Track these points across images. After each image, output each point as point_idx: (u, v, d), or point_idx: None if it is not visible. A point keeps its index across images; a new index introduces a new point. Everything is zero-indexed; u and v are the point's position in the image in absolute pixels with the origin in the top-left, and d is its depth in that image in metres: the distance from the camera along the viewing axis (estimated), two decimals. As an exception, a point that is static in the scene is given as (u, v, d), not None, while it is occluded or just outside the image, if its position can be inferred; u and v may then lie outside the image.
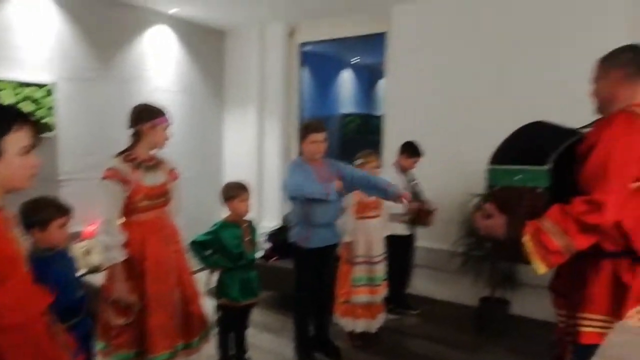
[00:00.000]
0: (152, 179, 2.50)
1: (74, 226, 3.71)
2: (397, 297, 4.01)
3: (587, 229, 1.57)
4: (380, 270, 3.41)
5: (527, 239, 1.64)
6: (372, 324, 3.44)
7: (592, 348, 1.51)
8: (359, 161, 3.41)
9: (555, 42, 3.66)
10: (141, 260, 2.43)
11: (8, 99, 3.42)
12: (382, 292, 3.44)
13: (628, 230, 1.63)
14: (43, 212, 2.12)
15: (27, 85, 3.55)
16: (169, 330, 2.47)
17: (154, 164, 2.56)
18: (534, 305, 3.63)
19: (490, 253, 1.96)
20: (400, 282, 4.00)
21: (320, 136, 3.06)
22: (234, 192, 2.91)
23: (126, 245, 2.41)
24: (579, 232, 1.57)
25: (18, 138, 1.31)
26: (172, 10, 4.66)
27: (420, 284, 4.26)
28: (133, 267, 2.43)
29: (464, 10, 4.07)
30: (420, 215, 3.75)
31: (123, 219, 2.48)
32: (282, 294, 4.23)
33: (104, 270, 2.50)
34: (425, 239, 4.05)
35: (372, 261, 3.38)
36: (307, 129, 3.12)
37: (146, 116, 2.49)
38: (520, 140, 1.88)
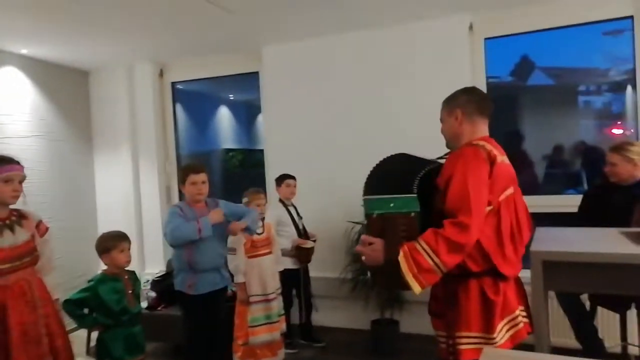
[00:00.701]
0: (10, 239, 2.23)
1: None
2: (303, 330, 4.04)
3: (455, 248, 1.70)
4: (277, 306, 3.42)
5: (401, 257, 1.73)
6: (275, 360, 3.40)
7: (474, 364, 1.63)
8: (246, 199, 3.40)
9: (409, 79, 4.06)
10: (4, 331, 2.15)
11: None
12: (280, 327, 3.45)
13: (487, 250, 1.82)
14: None
15: None
16: None
17: (13, 221, 2.29)
18: (421, 321, 3.82)
19: (372, 281, 2.04)
20: (305, 314, 4.02)
21: (199, 177, 2.98)
22: (111, 242, 2.70)
23: None
24: (448, 252, 1.69)
25: None
26: (23, 51, 4.27)
27: (317, 314, 4.29)
28: None
29: (327, 51, 4.34)
30: (301, 251, 3.83)
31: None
32: (171, 344, 3.98)
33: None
34: (315, 269, 4.12)
35: (267, 299, 3.37)
36: (185, 171, 3.04)
37: None
38: (386, 171, 2.02)
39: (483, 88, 3.83)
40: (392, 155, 2.05)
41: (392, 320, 3.91)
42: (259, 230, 3.37)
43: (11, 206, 2.36)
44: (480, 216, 1.76)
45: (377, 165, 2.03)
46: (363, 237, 1.93)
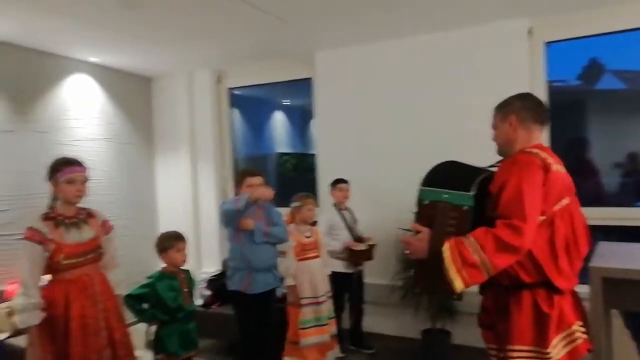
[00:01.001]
0: (76, 236, 2.38)
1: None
2: (353, 335, 4.03)
3: (505, 249, 1.64)
4: (326, 309, 3.44)
5: (446, 248, 1.68)
6: (323, 362, 3.43)
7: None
8: (296, 204, 3.45)
9: (464, 84, 3.97)
10: (66, 321, 2.29)
11: None
12: (331, 330, 3.47)
13: (539, 261, 1.75)
14: None
15: None
16: None
17: (80, 220, 2.44)
18: (474, 333, 3.71)
19: (414, 281, 2.00)
20: (355, 319, 4.01)
21: (256, 180, 3.09)
22: (169, 242, 2.83)
23: (49, 306, 2.27)
24: (496, 251, 1.64)
25: None
26: (93, 59, 4.55)
27: (368, 320, 4.27)
28: (57, 329, 2.28)
29: (379, 56, 4.33)
30: (351, 253, 3.81)
31: (48, 278, 2.33)
32: (225, 341, 4.09)
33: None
34: (370, 275, 4.09)
35: (318, 301, 3.40)
36: (243, 174, 3.18)
37: (51, 172, 2.41)
38: (444, 172, 1.99)
39: (542, 93, 3.70)
40: (445, 162, 2.02)
41: (444, 330, 3.82)
42: (307, 234, 3.42)
43: (80, 205, 2.51)
44: (534, 223, 1.69)
45: (431, 169, 2.00)
46: (411, 224, 1.90)
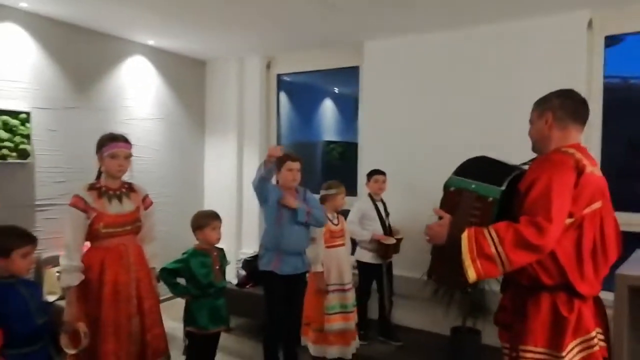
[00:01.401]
0: (117, 207, 2.54)
1: (48, 250, 3.78)
2: (381, 326, 4.06)
3: (525, 246, 1.61)
4: (351, 297, 3.49)
5: (464, 236, 1.67)
6: (347, 350, 3.49)
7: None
8: (331, 191, 3.49)
9: (516, 78, 3.84)
10: (99, 286, 2.46)
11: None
12: (354, 318, 3.52)
13: (563, 264, 1.71)
14: (6, 240, 2.14)
15: (2, 113, 3.60)
16: (122, 356, 2.47)
17: (122, 193, 2.60)
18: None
19: (428, 269, 2.00)
20: (384, 311, 4.04)
21: (295, 165, 3.17)
22: (206, 220, 2.94)
23: (86, 270, 2.44)
24: (515, 247, 1.61)
25: None
26: (150, 42, 4.77)
27: (397, 312, 4.28)
28: (91, 292, 2.45)
29: (427, 45, 4.26)
30: (380, 246, 3.82)
31: (88, 244, 2.51)
32: (256, 321, 4.23)
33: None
34: (397, 267, 4.10)
35: (343, 288, 3.45)
36: (283, 157, 3.22)
37: (98, 146, 2.57)
38: (474, 166, 1.97)
39: (599, 89, 3.53)
40: (479, 156, 2.01)
41: (474, 329, 3.75)
42: (335, 221, 3.47)
43: (125, 179, 2.68)
44: (560, 225, 1.65)
45: (469, 159, 2.00)
46: (435, 208, 1.89)
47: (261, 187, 3.07)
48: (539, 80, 3.62)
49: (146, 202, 2.75)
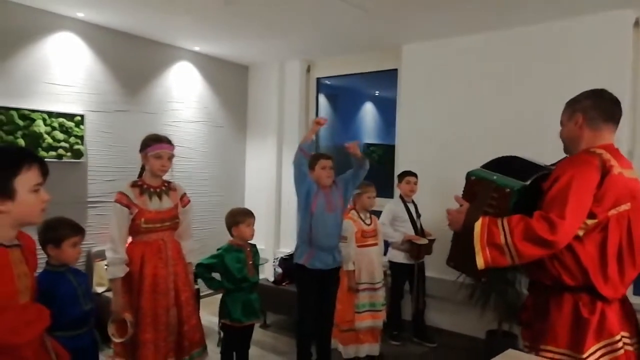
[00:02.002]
0: (156, 204, 2.69)
1: (98, 245, 4.03)
2: (415, 327, 4.07)
3: (534, 240, 1.62)
4: (381, 296, 3.52)
5: (478, 223, 1.71)
6: (375, 347, 3.53)
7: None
8: (357, 191, 3.54)
9: (555, 80, 3.76)
10: (140, 278, 2.61)
11: (41, 128, 3.76)
12: (382, 317, 3.56)
13: (585, 265, 1.69)
14: (58, 231, 2.31)
15: (59, 115, 3.88)
16: (160, 345, 2.61)
17: (162, 190, 2.75)
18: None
19: (448, 257, 2.02)
20: (417, 312, 4.05)
21: (328, 162, 3.27)
22: (242, 217, 3.06)
23: (128, 263, 2.60)
24: (524, 239, 1.63)
25: (29, 178, 1.44)
26: (196, 48, 4.99)
27: (431, 314, 4.27)
28: (132, 284, 2.61)
29: (467, 48, 4.24)
30: (412, 246, 3.83)
31: (130, 239, 2.68)
32: (291, 318, 4.33)
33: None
34: (432, 269, 4.09)
35: (374, 287, 3.48)
36: (317, 156, 3.34)
37: (142, 146, 2.72)
38: (502, 163, 1.98)
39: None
40: (509, 155, 2.02)
41: (510, 333, 3.69)
42: (368, 221, 3.51)
43: (166, 178, 2.84)
44: (574, 223, 1.65)
45: (499, 157, 2.02)
46: (456, 196, 1.93)
47: (300, 163, 3.20)
48: (582, 81, 3.53)
49: (184, 200, 2.88)
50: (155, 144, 2.70)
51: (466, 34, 4.19)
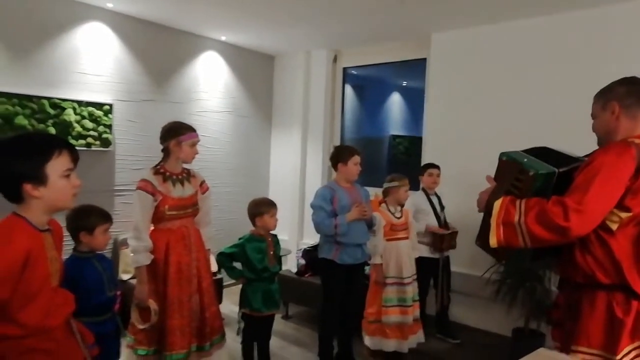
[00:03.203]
0: (179, 191, 2.71)
1: (125, 232, 4.09)
2: (439, 323, 4.01)
3: (547, 224, 1.58)
4: (411, 291, 3.41)
5: (497, 202, 1.69)
6: (404, 344, 3.42)
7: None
8: (394, 184, 3.45)
9: (593, 69, 3.60)
10: (165, 266, 2.63)
11: (71, 116, 3.83)
12: (414, 312, 3.44)
13: (620, 261, 1.62)
14: (90, 218, 2.34)
15: (89, 104, 3.94)
16: (185, 331, 2.63)
17: (183, 178, 2.77)
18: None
19: (477, 236, 1.97)
20: (441, 307, 3.98)
21: (359, 158, 3.25)
22: (266, 208, 3.05)
23: (153, 250, 2.62)
24: (537, 221, 1.59)
25: (60, 163, 1.47)
26: (223, 38, 4.99)
27: (456, 310, 4.20)
28: (157, 271, 2.63)
29: (497, 38, 4.11)
30: (435, 237, 3.77)
31: (153, 226, 2.70)
32: (313, 310, 4.32)
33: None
34: (457, 264, 4.01)
35: (402, 282, 3.40)
36: (351, 152, 3.27)
37: (172, 134, 2.72)
38: (537, 150, 1.90)
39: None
40: (545, 146, 1.94)
41: (538, 332, 3.59)
42: (398, 215, 3.44)
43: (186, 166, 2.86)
44: (594, 212, 1.57)
45: (534, 147, 1.94)
46: (487, 176, 1.91)
47: (324, 230, 3.20)
48: (622, 70, 3.36)
49: (203, 187, 2.91)
50: (191, 132, 2.75)
51: (498, 21, 4.05)
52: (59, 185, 1.48)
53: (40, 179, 1.45)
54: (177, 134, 2.72)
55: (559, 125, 3.69)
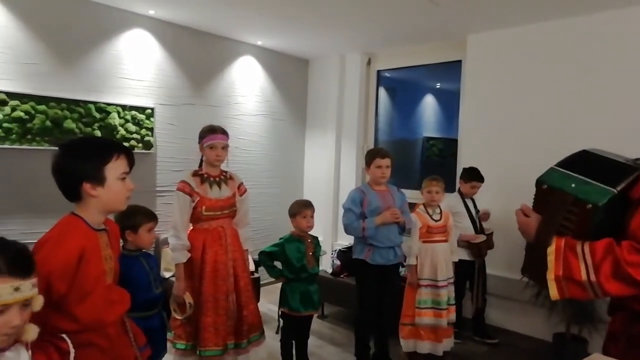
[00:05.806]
0: (216, 193, 2.79)
1: (166, 232, 4.21)
2: (475, 325, 3.98)
3: (624, 278, 1.34)
4: (446, 294, 3.37)
5: (551, 250, 1.44)
6: (438, 347, 3.40)
7: None
8: (423, 185, 3.45)
9: (633, 67, 3.52)
10: (201, 264, 2.72)
11: (116, 120, 3.98)
12: (449, 316, 3.39)
13: None
14: (135, 218, 2.44)
15: (132, 108, 4.09)
16: (220, 329, 2.71)
17: (221, 180, 2.85)
18: (615, 345, 3.38)
19: (523, 266, 1.69)
20: (478, 310, 3.95)
21: (384, 161, 3.21)
22: (298, 209, 3.11)
23: (190, 249, 2.71)
24: (613, 278, 1.35)
25: (117, 166, 1.55)
26: (259, 42, 5.08)
27: (493, 313, 4.15)
28: (194, 269, 2.72)
29: (534, 38, 4.05)
30: (471, 245, 3.76)
31: (191, 226, 2.79)
32: (349, 310, 4.34)
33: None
34: (494, 266, 3.97)
35: (437, 285, 3.36)
36: (373, 154, 3.28)
37: (199, 137, 2.83)
38: (583, 159, 1.64)
39: None
40: (593, 149, 1.67)
41: (580, 337, 3.51)
42: (436, 217, 3.42)
43: (224, 168, 2.93)
44: None
45: (579, 151, 1.67)
46: (523, 205, 1.64)
47: (353, 232, 3.22)
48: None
49: (241, 189, 2.97)
50: (210, 135, 2.79)
51: (536, 22, 3.99)
52: (115, 187, 1.55)
53: (98, 180, 1.52)
54: (200, 137, 2.83)
55: (599, 127, 3.61)
